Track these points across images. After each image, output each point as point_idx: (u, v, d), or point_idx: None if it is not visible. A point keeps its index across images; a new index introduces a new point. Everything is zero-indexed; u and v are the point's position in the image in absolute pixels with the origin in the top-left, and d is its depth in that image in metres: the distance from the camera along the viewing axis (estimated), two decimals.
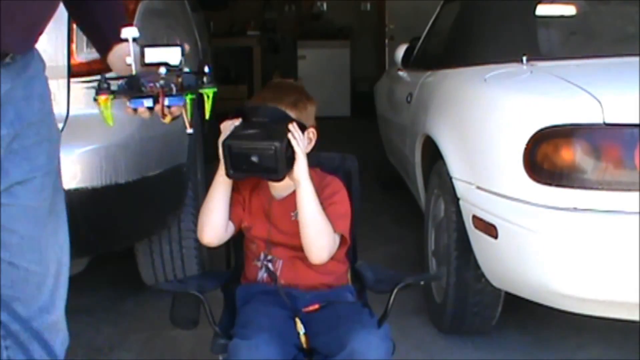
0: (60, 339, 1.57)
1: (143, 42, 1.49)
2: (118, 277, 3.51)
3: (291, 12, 9.85)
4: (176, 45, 1.46)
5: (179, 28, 3.46)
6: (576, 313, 2.38)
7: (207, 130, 3.67)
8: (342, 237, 1.88)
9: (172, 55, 1.45)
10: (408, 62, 4.28)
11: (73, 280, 2.88)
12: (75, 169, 2.39)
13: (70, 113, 2.42)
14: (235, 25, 9.41)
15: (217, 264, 2.73)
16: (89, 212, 2.43)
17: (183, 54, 1.46)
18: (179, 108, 1.46)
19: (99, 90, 1.42)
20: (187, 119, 1.50)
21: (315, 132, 1.89)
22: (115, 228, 2.62)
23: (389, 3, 9.00)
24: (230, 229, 1.90)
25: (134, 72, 1.45)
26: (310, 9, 9.77)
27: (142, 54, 1.45)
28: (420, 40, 4.27)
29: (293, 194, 1.85)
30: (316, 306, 1.83)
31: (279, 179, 1.76)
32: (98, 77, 1.44)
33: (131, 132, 2.51)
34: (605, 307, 2.30)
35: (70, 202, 2.34)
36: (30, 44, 1.44)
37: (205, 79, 1.48)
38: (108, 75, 1.48)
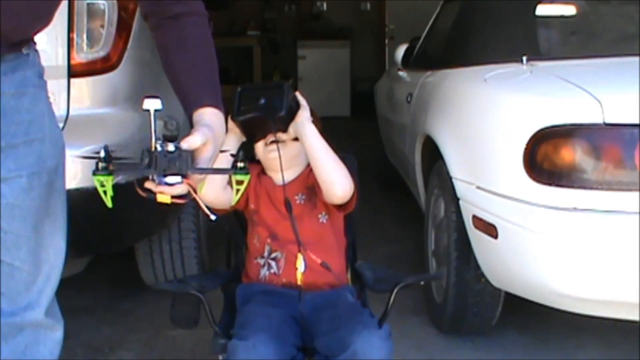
0: (44, 335, 1.56)
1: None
2: (118, 277, 3.51)
3: (291, 12, 9.86)
4: (154, 97, 1.42)
5: None
6: (576, 313, 2.38)
7: None
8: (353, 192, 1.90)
9: (154, 103, 1.42)
10: (408, 62, 4.29)
11: (73, 280, 2.90)
12: (76, 169, 2.39)
13: (70, 113, 2.42)
14: (235, 25, 9.42)
15: (217, 264, 2.73)
16: (89, 212, 2.43)
17: (162, 104, 1.41)
18: (179, 187, 1.40)
19: (95, 170, 1.42)
20: (201, 205, 1.45)
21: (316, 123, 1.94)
22: (115, 228, 2.62)
23: (389, 3, 9.01)
24: (228, 194, 1.85)
25: (153, 147, 1.42)
26: (310, 9, 9.78)
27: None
28: (420, 40, 4.27)
29: (295, 179, 1.92)
30: (318, 260, 1.84)
31: (282, 116, 1.79)
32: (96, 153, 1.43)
33: (131, 132, 2.51)
34: (605, 307, 2.30)
35: (70, 202, 2.36)
36: (14, 48, 1.42)
37: (239, 164, 1.40)
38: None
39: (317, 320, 1.80)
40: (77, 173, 2.39)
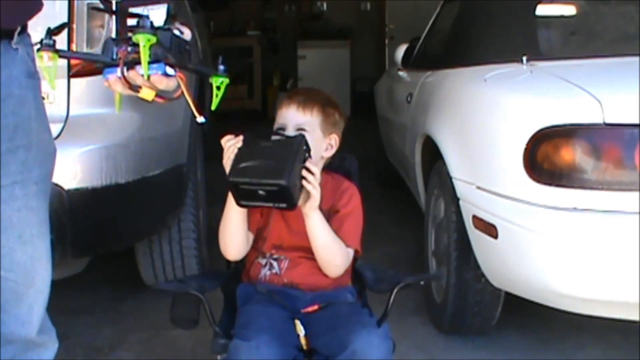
0: (33, 348, 1.51)
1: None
2: (118, 277, 3.51)
3: (291, 12, 9.85)
4: (161, 2, 1.29)
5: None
6: (576, 313, 2.38)
7: (207, 129, 3.67)
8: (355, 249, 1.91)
9: (156, 14, 1.27)
10: (408, 62, 4.28)
11: (73, 280, 2.90)
12: (75, 169, 2.39)
13: (70, 113, 2.42)
14: (235, 25, 9.42)
15: (217, 264, 2.73)
16: (89, 212, 2.43)
17: (169, 13, 1.30)
18: (163, 80, 1.29)
19: (41, 47, 1.28)
20: (190, 102, 1.33)
21: (337, 139, 1.92)
22: (115, 228, 2.62)
23: (389, 3, 9.00)
24: (251, 238, 1.91)
25: (113, 35, 1.30)
26: (310, 9, 9.77)
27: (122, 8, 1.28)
28: (420, 40, 4.27)
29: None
30: (315, 307, 1.83)
31: (292, 209, 1.74)
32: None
33: (131, 132, 2.51)
34: (605, 307, 2.30)
35: (70, 202, 2.37)
36: (4, 37, 1.33)
37: (220, 66, 1.32)
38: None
39: (316, 321, 1.80)
40: (77, 173, 2.39)
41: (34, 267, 1.45)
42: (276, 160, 1.65)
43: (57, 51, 1.28)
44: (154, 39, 1.21)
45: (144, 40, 1.20)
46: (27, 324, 1.47)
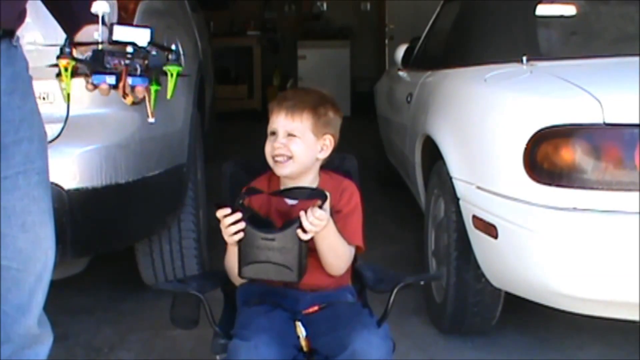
0: (31, 343, 1.53)
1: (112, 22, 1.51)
2: (118, 277, 3.51)
3: (291, 12, 9.85)
4: (146, 27, 1.49)
5: (179, 28, 3.46)
6: (576, 313, 2.38)
7: (207, 130, 3.68)
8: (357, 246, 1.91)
9: (140, 36, 1.47)
10: (408, 62, 4.28)
11: (73, 280, 2.90)
12: (75, 169, 2.39)
13: (70, 113, 2.41)
14: (235, 25, 9.41)
15: (217, 264, 2.73)
16: (89, 212, 2.43)
17: (152, 36, 1.47)
18: (143, 90, 1.48)
19: (60, 54, 1.43)
20: (149, 107, 1.52)
21: (332, 139, 1.90)
22: (115, 228, 2.62)
23: (389, 3, 9.00)
24: None
25: (100, 47, 1.46)
26: (310, 9, 9.77)
27: (111, 31, 1.46)
28: (420, 40, 4.27)
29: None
30: (315, 308, 1.83)
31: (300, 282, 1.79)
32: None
33: (131, 132, 2.51)
34: (605, 307, 2.30)
35: (70, 202, 2.37)
36: (5, 36, 1.39)
37: (170, 56, 1.50)
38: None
39: (317, 321, 1.80)
40: (77, 173, 2.39)
41: (35, 254, 1.48)
42: (282, 257, 1.73)
43: (74, 59, 1.44)
44: (180, 69, 1.50)
45: (174, 71, 1.49)
46: (27, 313, 1.49)
